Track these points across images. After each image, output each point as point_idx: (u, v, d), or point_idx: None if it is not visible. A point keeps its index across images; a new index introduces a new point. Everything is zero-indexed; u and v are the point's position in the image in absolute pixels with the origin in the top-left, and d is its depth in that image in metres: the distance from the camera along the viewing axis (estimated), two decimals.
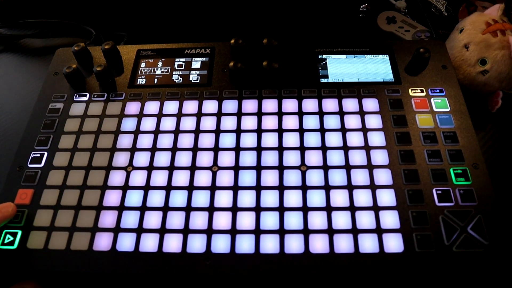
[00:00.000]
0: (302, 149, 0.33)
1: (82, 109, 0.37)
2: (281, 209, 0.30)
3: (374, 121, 0.34)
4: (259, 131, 0.34)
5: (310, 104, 0.36)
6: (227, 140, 0.34)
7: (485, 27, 0.40)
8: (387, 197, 0.30)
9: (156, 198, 0.31)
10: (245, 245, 0.29)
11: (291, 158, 0.33)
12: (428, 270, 0.28)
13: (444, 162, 0.32)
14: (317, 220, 0.30)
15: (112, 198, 0.31)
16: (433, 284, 0.28)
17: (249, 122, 0.35)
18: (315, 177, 0.31)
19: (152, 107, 0.36)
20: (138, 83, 0.38)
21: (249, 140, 0.34)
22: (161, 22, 0.54)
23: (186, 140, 0.34)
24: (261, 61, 0.37)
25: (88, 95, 0.38)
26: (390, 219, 0.29)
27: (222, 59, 0.40)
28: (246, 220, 0.30)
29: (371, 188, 0.31)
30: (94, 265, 0.29)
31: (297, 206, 0.30)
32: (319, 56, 0.39)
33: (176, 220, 0.30)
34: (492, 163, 0.38)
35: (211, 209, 0.30)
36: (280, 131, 0.34)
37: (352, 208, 0.30)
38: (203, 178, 0.32)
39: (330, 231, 0.29)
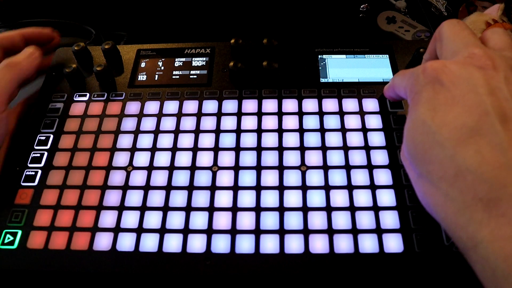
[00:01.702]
0: (302, 149, 0.33)
1: (82, 109, 0.37)
2: (281, 209, 0.30)
3: (374, 121, 0.34)
4: (259, 131, 0.34)
5: (310, 104, 0.36)
6: (227, 140, 0.34)
7: (485, 27, 0.40)
8: (387, 197, 0.30)
9: (156, 198, 0.31)
10: (245, 245, 0.29)
11: (291, 158, 0.33)
12: (428, 270, 0.28)
13: None
14: (317, 220, 0.30)
15: (112, 198, 0.31)
16: (433, 284, 0.28)
17: (249, 122, 0.35)
18: (315, 177, 0.31)
19: (152, 107, 0.36)
20: (138, 83, 0.38)
21: (249, 140, 0.34)
22: (161, 22, 0.54)
23: (186, 140, 0.34)
24: (261, 61, 0.37)
25: (88, 95, 0.38)
26: (390, 219, 0.29)
27: (222, 59, 0.40)
28: (246, 220, 0.30)
29: (371, 188, 0.31)
30: (94, 265, 0.29)
31: (297, 206, 0.30)
32: (319, 56, 0.39)
33: (176, 220, 0.30)
34: None
35: (211, 209, 0.30)
36: (280, 131, 0.34)
37: (352, 208, 0.30)
38: (203, 178, 0.32)
39: (330, 231, 0.29)
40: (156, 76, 0.39)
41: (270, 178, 0.32)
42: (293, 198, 0.31)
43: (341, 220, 0.29)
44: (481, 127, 0.21)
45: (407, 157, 0.26)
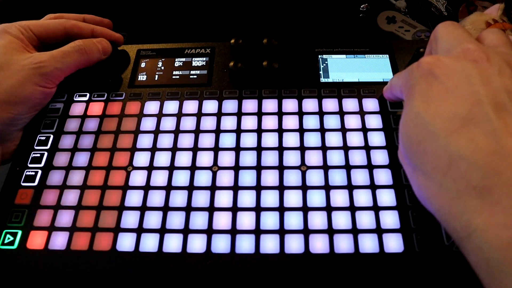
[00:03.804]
0: (302, 149, 0.33)
1: (82, 109, 0.37)
2: (281, 209, 0.30)
3: (374, 121, 0.34)
4: (259, 131, 0.34)
5: (310, 104, 0.36)
6: (227, 140, 0.34)
7: (485, 26, 0.40)
8: (387, 197, 0.30)
9: (156, 198, 0.31)
10: (245, 245, 0.29)
11: (291, 158, 0.33)
12: (428, 270, 0.28)
13: None
14: (317, 220, 0.30)
15: (112, 198, 0.31)
16: (433, 284, 0.28)
17: (249, 122, 0.35)
18: (315, 177, 0.31)
19: (152, 107, 0.36)
20: (138, 83, 0.38)
21: (249, 140, 0.34)
22: (161, 22, 0.54)
23: (186, 140, 0.34)
24: (261, 61, 0.37)
25: (88, 95, 0.38)
26: (390, 219, 0.29)
27: (222, 59, 0.40)
28: (246, 220, 0.30)
29: (371, 188, 0.31)
30: (94, 265, 0.29)
31: (297, 206, 0.30)
32: (319, 56, 0.39)
33: (176, 220, 0.30)
34: None
35: (211, 209, 0.30)
36: (280, 131, 0.34)
37: (352, 208, 0.30)
38: (203, 178, 0.32)
39: (330, 231, 0.29)
40: (156, 76, 0.39)
41: (270, 178, 0.32)
42: (293, 198, 0.31)
43: (341, 220, 0.29)
44: (474, 116, 0.21)
45: (402, 152, 0.26)
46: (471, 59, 0.23)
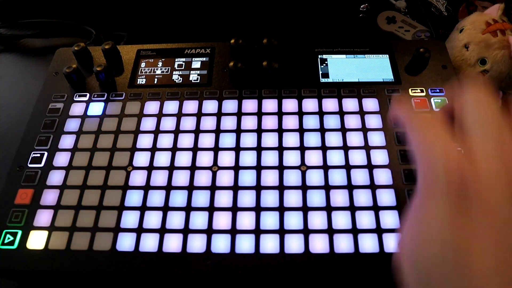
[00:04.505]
0: (302, 149, 0.33)
1: (82, 109, 0.37)
2: (281, 209, 0.30)
3: (374, 121, 0.34)
4: (259, 131, 0.34)
5: (310, 104, 0.36)
6: (227, 140, 0.34)
7: (485, 27, 0.40)
8: (387, 197, 0.30)
9: (156, 198, 0.31)
10: (245, 245, 0.29)
11: (291, 158, 0.33)
12: None
13: None
14: (317, 220, 0.30)
15: (112, 198, 0.31)
16: None
17: (249, 122, 0.35)
18: (315, 177, 0.31)
19: (152, 107, 0.36)
20: (138, 83, 0.38)
21: (249, 140, 0.34)
22: (161, 22, 0.54)
23: (186, 140, 0.34)
24: (261, 61, 0.37)
25: (88, 95, 0.38)
26: (390, 219, 0.29)
27: (222, 59, 0.40)
28: (246, 220, 0.30)
29: (371, 188, 0.31)
30: (94, 265, 0.29)
31: (297, 206, 0.30)
32: (319, 56, 0.39)
33: (176, 220, 0.30)
34: None
35: (211, 209, 0.30)
36: (280, 131, 0.34)
37: (352, 208, 0.30)
38: (203, 178, 0.32)
39: (330, 231, 0.29)
40: (156, 76, 0.39)
41: (270, 178, 0.32)
42: (293, 198, 0.31)
43: (341, 220, 0.29)
44: None
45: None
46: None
